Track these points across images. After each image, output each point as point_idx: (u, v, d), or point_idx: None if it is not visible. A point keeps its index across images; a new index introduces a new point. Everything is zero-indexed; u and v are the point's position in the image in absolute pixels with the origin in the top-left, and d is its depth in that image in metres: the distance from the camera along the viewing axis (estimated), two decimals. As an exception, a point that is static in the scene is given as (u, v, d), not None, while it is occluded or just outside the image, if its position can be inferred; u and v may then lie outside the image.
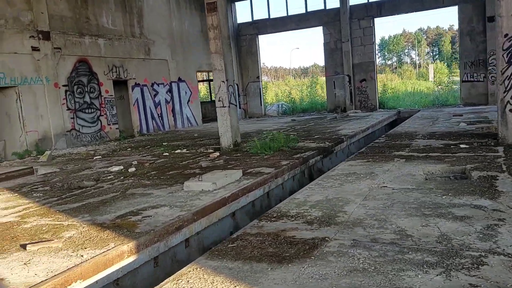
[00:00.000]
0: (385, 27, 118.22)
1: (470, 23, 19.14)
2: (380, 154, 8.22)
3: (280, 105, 24.04)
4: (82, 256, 4.05)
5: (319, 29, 21.98)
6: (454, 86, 29.96)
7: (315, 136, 11.70)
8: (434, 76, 48.25)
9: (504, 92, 8.22)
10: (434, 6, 19.96)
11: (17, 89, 12.84)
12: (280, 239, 4.02)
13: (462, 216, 4.26)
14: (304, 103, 24.40)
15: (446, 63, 55.00)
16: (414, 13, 21.01)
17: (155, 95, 18.09)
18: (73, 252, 4.18)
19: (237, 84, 23.17)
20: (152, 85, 17.96)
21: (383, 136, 10.66)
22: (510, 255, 3.26)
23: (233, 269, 3.47)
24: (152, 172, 8.39)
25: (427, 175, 6.34)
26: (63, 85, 14.19)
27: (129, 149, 12.68)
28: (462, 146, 8.33)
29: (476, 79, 19.34)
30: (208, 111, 22.33)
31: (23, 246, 4.43)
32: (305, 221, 4.52)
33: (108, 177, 8.21)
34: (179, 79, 19.35)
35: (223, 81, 10.69)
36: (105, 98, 15.79)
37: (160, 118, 18.38)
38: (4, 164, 11.59)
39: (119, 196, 6.47)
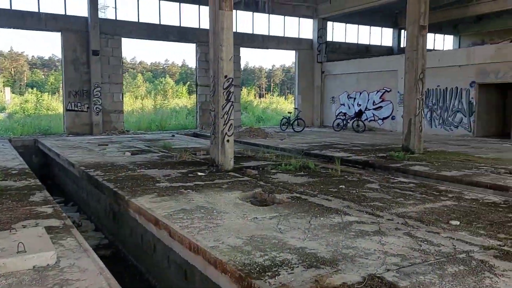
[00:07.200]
0: None
1: (74, 52, 19.19)
2: (143, 187, 7.41)
3: None
4: None
5: None
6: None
7: None
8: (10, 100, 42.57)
9: (223, 125, 9.41)
10: (36, 28, 18.60)
11: None
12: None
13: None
14: None
15: None
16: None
17: None
18: None
19: None
20: None
21: (93, 170, 9.25)
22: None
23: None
24: None
25: (244, 199, 6.57)
26: None
27: None
28: (200, 174, 8.80)
29: (80, 109, 19.47)
30: None
31: None
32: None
33: None
34: None
35: None
36: None
37: None
38: None
39: None
